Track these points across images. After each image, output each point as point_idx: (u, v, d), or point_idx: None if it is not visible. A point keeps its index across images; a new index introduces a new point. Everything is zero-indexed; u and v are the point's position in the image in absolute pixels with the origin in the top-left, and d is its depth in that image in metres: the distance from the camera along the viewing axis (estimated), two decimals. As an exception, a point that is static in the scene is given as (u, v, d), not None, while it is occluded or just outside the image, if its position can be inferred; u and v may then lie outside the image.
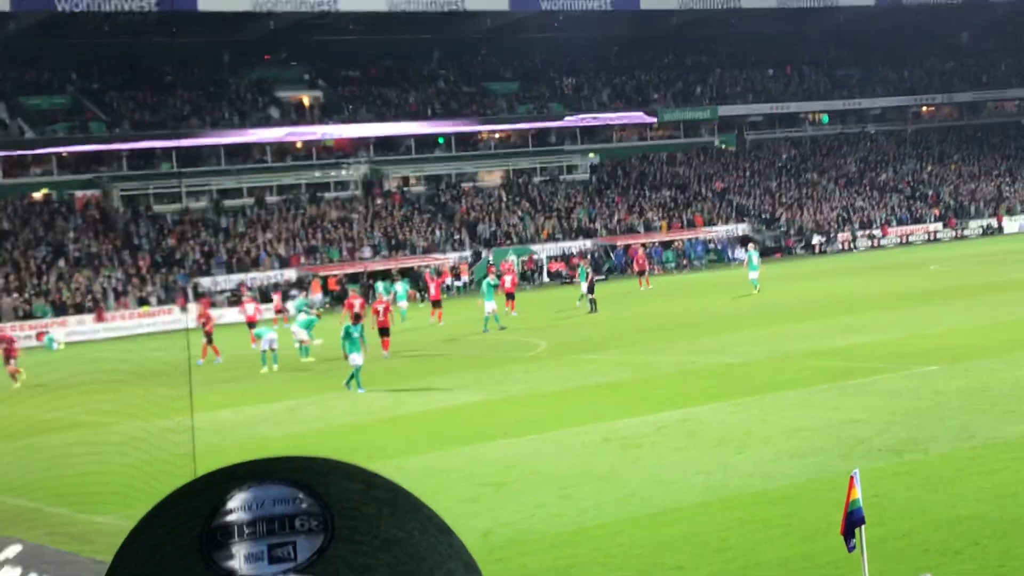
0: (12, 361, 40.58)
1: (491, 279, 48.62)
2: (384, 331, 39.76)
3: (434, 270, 67.98)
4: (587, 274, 53.11)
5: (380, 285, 63.89)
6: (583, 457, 20.33)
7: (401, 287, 57.30)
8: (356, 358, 30.92)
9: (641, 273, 62.66)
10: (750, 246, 61.72)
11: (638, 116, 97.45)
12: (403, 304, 54.46)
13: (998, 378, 24.29)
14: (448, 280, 73.87)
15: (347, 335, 31.31)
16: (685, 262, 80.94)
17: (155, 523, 0.90)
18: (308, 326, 41.16)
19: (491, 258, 78.11)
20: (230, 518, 0.87)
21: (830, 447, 19.20)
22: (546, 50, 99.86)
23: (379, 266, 74.42)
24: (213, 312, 51.32)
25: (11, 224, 74.01)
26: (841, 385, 25.17)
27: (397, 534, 0.88)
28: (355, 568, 0.85)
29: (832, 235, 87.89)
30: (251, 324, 49.10)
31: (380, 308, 40.70)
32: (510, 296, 52.60)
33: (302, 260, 75.75)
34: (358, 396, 30.33)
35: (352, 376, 31.06)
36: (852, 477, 10.11)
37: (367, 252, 77.82)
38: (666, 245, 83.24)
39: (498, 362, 35.04)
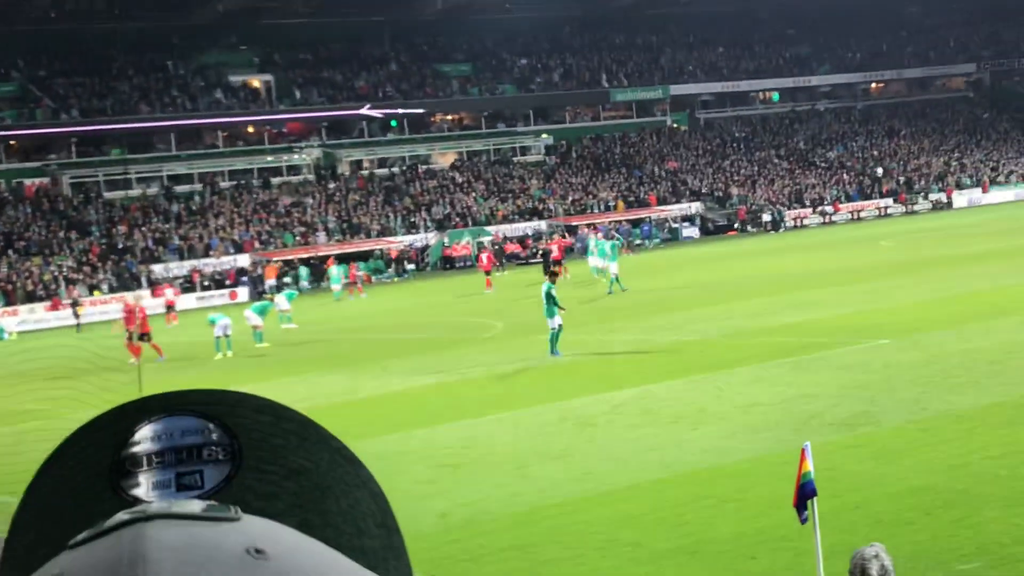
0: None
1: (615, 241, 52.06)
2: None
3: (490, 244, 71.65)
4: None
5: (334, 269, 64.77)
6: (539, 437, 20.41)
7: (336, 271, 61.68)
8: (553, 321, 30.16)
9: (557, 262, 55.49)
10: (599, 235, 60.12)
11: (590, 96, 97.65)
12: (336, 287, 59.68)
13: (948, 350, 24.58)
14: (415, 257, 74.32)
15: (549, 297, 30.32)
16: (638, 242, 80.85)
17: (66, 454, 0.92)
18: (262, 311, 41.04)
19: (446, 240, 78.20)
20: (139, 448, 0.88)
21: (784, 422, 19.37)
22: (498, 31, 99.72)
23: (334, 250, 74.22)
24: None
25: (-40, 213, 73.25)
26: (794, 360, 25.38)
27: (304, 464, 0.90)
28: (260, 495, 0.87)
29: (780, 212, 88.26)
30: (169, 308, 54.35)
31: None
32: (488, 273, 56.92)
33: (256, 246, 75.40)
34: (314, 381, 30.29)
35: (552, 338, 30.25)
36: (804, 450, 10.22)
37: (321, 236, 77.57)
38: (635, 223, 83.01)
39: (454, 344, 35.08)
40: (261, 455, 0.89)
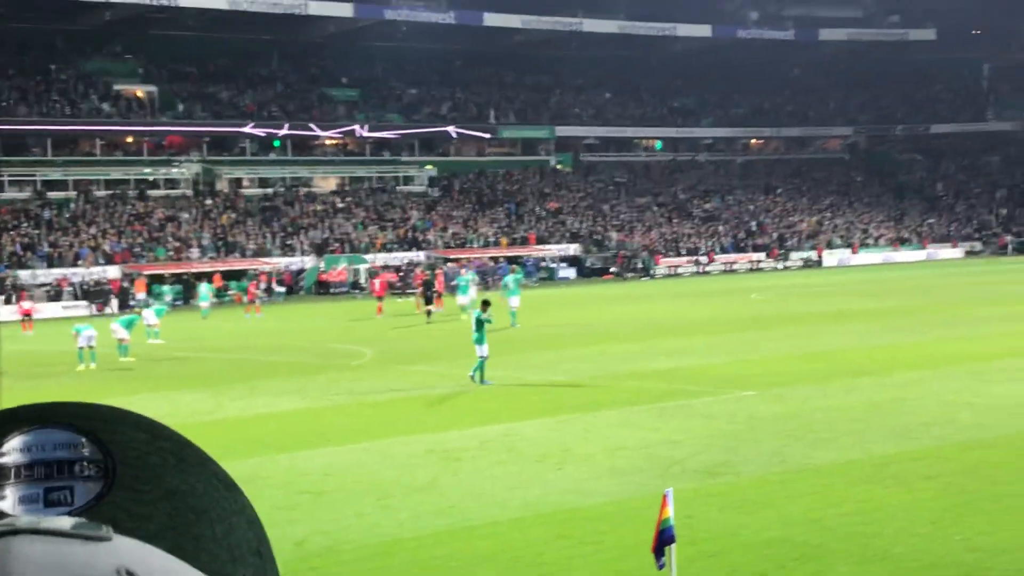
0: None
1: (516, 275, 53.07)
2: None
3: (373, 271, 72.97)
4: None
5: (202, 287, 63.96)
6: (404, 468, 20.26)
7: (205, 288, 61.63)
8: (482, 349, 30.07)
9: (439, 295, 55.57)
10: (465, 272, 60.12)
11: (476, 131, 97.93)
12: (204, 304, 59.31)
13: (811, 406, 24.98)
14: (270, 284, 73.68)
15: (479, 325, 30.17)
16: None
17: None
18: (129, 325, 40.26)
19: (322, 265, 77.62)
20: (7, 459, 0.84)
21: (647, 466, 19.48)
22: (388, 60, 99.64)
23: (206, 267, 73.18)
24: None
25: None
26: (661, 406, 25.58)
27: (180, 486, 0.87)
28: (133, 516, 0.83)
29: (648, 259, 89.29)
30: (26, 316, 52.70)
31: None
32: (381, 299, 57.29)
33: (128, 258, 74.04)
34: (178, 398, 29.74)
35: (478, 367, 30.19)
36: (665, 496, 10.27)
37: (195, 252, 76.45)
38: (512, 261, 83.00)
39: (324, 369, 34.76)
40: (136, 474, 0.86)
